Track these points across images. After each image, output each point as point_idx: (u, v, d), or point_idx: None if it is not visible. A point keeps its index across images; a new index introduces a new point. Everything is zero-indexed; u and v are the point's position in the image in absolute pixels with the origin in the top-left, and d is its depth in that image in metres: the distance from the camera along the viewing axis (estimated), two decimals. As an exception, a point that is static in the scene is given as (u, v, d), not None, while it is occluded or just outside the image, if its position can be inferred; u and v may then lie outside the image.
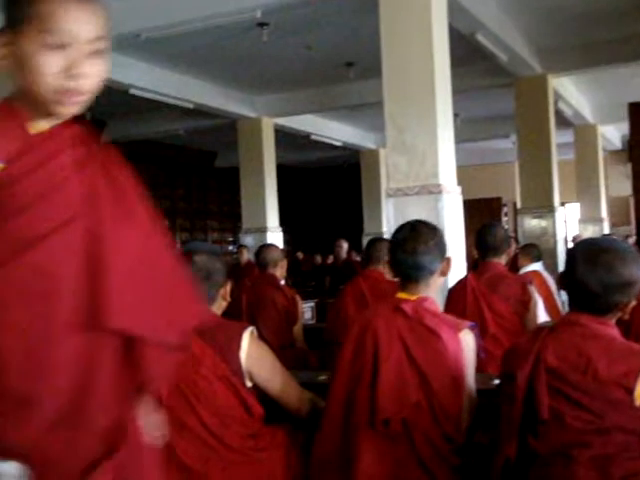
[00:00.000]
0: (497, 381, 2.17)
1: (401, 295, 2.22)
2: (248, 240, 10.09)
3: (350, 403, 2.12)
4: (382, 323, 2.15)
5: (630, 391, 1.78)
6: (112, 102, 9.46)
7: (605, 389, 1.80)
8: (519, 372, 1.89)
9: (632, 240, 8.89)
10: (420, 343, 2.11)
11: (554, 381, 1.86)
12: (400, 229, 2.28)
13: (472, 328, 2.19)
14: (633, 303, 1.92)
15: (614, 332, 1.91)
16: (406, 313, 2.15)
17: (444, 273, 2.26)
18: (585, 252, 1.92)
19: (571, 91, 10.05)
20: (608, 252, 1.88)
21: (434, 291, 2.27)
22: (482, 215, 13.57)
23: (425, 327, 2.12)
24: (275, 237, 10.05)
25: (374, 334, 2.13)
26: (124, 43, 6.88)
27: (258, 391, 2.17)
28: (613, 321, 1.94)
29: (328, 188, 16.74)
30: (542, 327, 2.03)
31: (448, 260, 2.26)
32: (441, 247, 2.24)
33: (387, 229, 5.81)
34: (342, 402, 2.13)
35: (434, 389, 2.07)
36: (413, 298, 2.19)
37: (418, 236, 2.20)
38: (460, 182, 5.43)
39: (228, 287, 2.29)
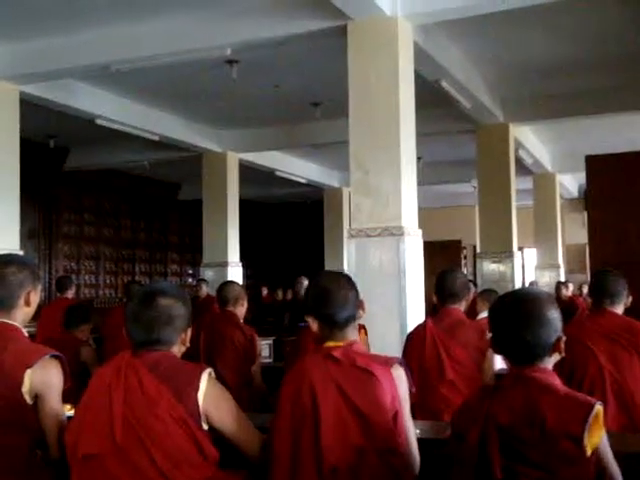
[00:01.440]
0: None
1: (329, 344, 2.25)
2: (208, 274, 10.01)
3: (296, 454, 2.11)
4: (316, 372, 2.17)
5: (578, 441, 1.80)
6: (76, 130, 9.44)
7: (554, 442, 1.82)
8: (469, 433, 1.92)
9: (585, 289, 9.05)
10: (355, 385, 2.14)
11: (505, 439, 1.87)
12: (321, 281, 2.32)
13: (401, 363, 2.24)
14: (564, 338, 1.99)
15: (557, 382, 1.95)
16: (337, 358, 2.18)
17: (360, 316, 2.34)
18: (508, 309, 2.00)
19: (531, 140, 10.32)
20: (527, 302, 1.98)
21: (356, 333, 2.33)
22: (442, 257, 13.72)
23: (357, 368, 2.16)
24: (235, 272, 9.99)
25: (309, 384, 2.15)
26: (93, 74, 6.87)
27: (215, 435, 2.14)
28: (551, 366, 1.99)
29: (291, 224, 16.77)
30: (488, 385, 2.07)
31: (362, 302, 2.35)
32: (357, 293, 2.32)
33: (348, 269, 5.84)
34: (288, 455, 2.12)
35: (375, 429, 2.09)
36: (341, 344, 2.23)
37: (344, 287, 2.27)
38: (421, 224, 5.50)
39: (189, 333, 2.26)
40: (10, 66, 6.60)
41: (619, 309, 3.40)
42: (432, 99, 7.24)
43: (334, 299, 2.24)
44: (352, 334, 2.27)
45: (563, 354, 2.00)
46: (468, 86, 7.19)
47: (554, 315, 1.98)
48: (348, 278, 2.35)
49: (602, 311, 3.39)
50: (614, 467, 1.89)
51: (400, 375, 2.20)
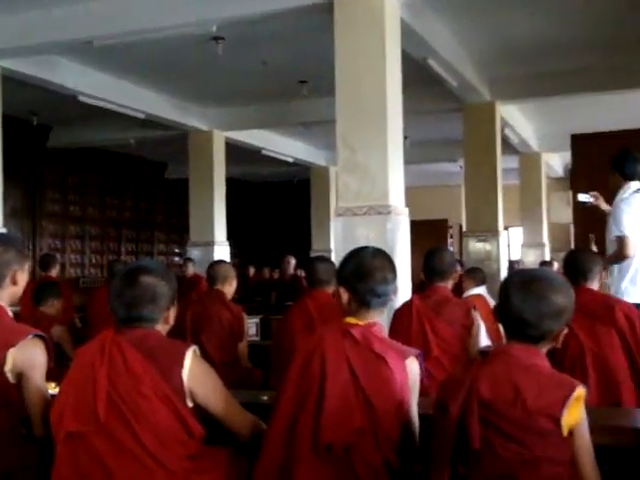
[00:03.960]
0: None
1: (349, 320, 2.23)
2: (195, 253, 9.99)
3: (293, 427, 2.10)
4: (330, 347, 2.15)
5: (557, 421, 1.83)
6: (59, 108, 9.32)
7: (533, 420, 1.84)
8: (452, 403, 1.94)
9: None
10: (367, 369, 2.12)
11: (486, 412, 1.90)
12: (363, 257, 2.28)
13: (417, 356, 2.22)
14: (565, 330, 1.99)
15: (544, 362, 1.97)
16: (355, 338, 2.16)
17: (392, 300, 2.32)
18: (519, 282, 1.99)
19: (518, 119, 10.31)
20: (541, 281, 1.97)
21: (381, 316, 2.30)
22: (428, 236, 13.72)
23: (373, 353, 2.14)
24: (222, 251, 9.97)
25: (322, 358, 2.13)
26: (75, 49, 6.77)
27: (200, 412, 2.14)
28: (544, 350, 1.99)
29: (277, 203, 16.73)
30: (475, 359, 2.08)
31: (396, 289, 2.32)
32: (396, 278, 2.29)
33: (334, 248, 5.83)
34: (285, 425, 2.12)
35: (378, 415, 2.09)
36: (362, 323, 2.21)
37: (385, 268, 2.24)
38: (407, 203, 5.49)
39: (172, 311, 2.25)
40: (-10, 41, 6.48)
41: (594, 286, 3.43)
42: (419, 78, 7.19)
43: (374, 278, 2.21)
44: (377, 316, 2.24)
45: (559, 345, 2.01)
46: (455, 64, 7.15)
47: (566, 306, 1.96)
48: (390, 260, 2.31)
49: (577, 289, 3.42)
50: (589, 449, 1.91)
51: (414, 367, 2.18)
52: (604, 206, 4.65)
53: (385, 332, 2.28)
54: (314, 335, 2.26)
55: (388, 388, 2.10)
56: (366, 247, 2.37)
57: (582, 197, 4.80)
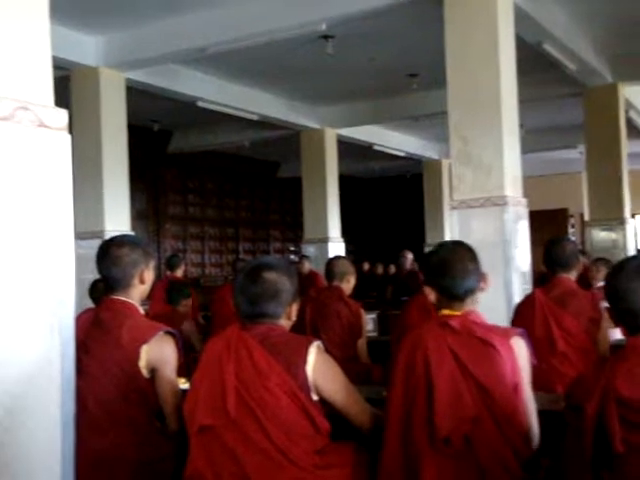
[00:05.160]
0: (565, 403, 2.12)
1: (445, 312, 2.21)
2: (310, 250, 10.13)
3: (408, 422, 2.10)
4: (431, 340, 2.14)
5: None
6: (178, 114, 9.73)
7: None
8: (587, 405, 1.83)
9: None
10: (474, 356, 2.09)
11: (626, 412, 1.79)
12: (440, 252, 2.30)
13: (522, 334, 2.17)
14: None
15: None
16: (454, 328, 2.14)
17: (482, 289, 2.27)
18: (627, 276, 1.88)
19: (643, 100, 9.75)
20: None
21: (475, 306, 2.26)
22: (548, 227, 13.26)
23: (476, 339, 2.11)
24: (337, 247, 10.06)
25: (424, 351, 2.12)
26: (191, 57, 7.04)
27: (324, 407, 2.16)
28: None
29: (390, 198, 16.67)
30: (605, 356, 1.97)
31: (485, 276, 2.27)
32: (479, 265, 2.26)
33: (451, 241, 5.76)
34: (400, 422, 2.11)
35: (495, 400, 2.04)
36: (458, 313, 2.19)
37: (463, 259, 2.23)
38: (525, 193, 5.33)
39: (295, 307, 2.29)
40: (115, 54, 6.86)
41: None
42: (534, 63, 6.96)
43: (453, 270, 2.20)
44: (471, 304, 2.22)
45: None
46: (573, 47, 6.85)
47: None
48: (469, 249, 2.29)
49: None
50: None
51: (520, 346, 2.14)
52: None
53: (483, 318, 2.22)
54: (415, 331, 2.24)
55: (499, 371, 2.06)
56: (445, 242, 2.39)
57: None
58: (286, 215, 14.98)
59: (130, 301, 2.47)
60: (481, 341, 2.10)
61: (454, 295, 2.21)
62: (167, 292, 5.06)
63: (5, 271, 2.06)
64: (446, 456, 2.03)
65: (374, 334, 6.82)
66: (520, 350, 2.13)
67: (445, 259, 2.24)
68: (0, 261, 2.05)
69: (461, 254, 2.24)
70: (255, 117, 9.34)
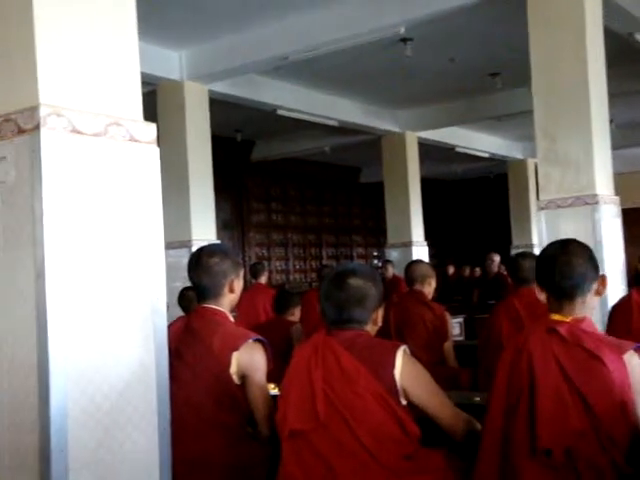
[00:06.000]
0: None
1: (554, 317, 2.11)
2: (393, 255, 10.08)
3: (508, 431, 2.03)
4: (536, 347, 2.05)
5: None
6: (260, 123, 9.89)
7: None
8: None
9: None
10: (580, 368, 1.98)
11: None
12: (548, 248, 2.21)
13: (638, 349, 2.03)
14: None
15: None
16: (562, 336, 2.03)
17: (599, 292, 2.13)
18: None
19: None
20: None
21: (590, 312, 2.14)
22: (642, 225, 12.70)
23: (584, 350, 1.99)
24: (420, 251, 9.97)
25: (529, 359, 2.04)
26: (272, 66, 7.15)
27: (414, 412, 2.14)
28: None
29: (474, 200, 16.40)
30: None
31: (603, 278, 2.15)
32: (594, 264, 2.14)
33: (538, 242, 5.58)
34: (499, 430, 2.04)
35: (599, 416, 1.94)
36: (568, 319, 2.08)
37: (571, 254, 2.12)
38: (617, 190, 5.14)
39: (380, 312, 2.28)
40: (198, 67, 7.05)
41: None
42: (624, 55, 6.70)
43: (557, 266, 2.10)
44: (582, 308, 2.10)
45: None
46: (665, 36, 6.56)
47: None
48: (582, 246, 2.18)
49: None
50: None
51: (634, 363, 1.99)
52: None
53: (596, 327, 2.11)
54: (520, 335, 2.16)
55: (605, 387, 1.94)
56: (555, 241, 2.25)
57: None
58: (368, 220, 14.96)
59: (221, 309, 2.52)
60: (589, 353, 1.98)
61: (561, 292, 2.10)
62: (276, 300, 5.16)
63: (102, 279, 2.15)
64: (546, 467, 1.96)
65: (461, 338, 6.71)
66: (634, 367, 1.99)
67: (552, 255, 2.15)
68: (97, 270, 2.13)
69: (570, 250, 2.13)
70: (335, 123, 9.38)
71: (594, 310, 2.17)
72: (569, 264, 2.09)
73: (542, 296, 2.15)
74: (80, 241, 2.10)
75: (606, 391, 1.95)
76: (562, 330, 2.04)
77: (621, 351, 1.99)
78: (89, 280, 2.11)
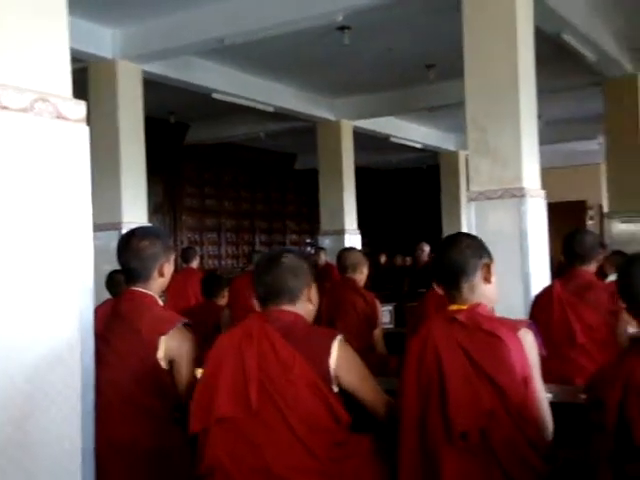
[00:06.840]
0: (584, 395, 2.10)
1: (452, 307, 2.21)
2: (326, 242, 10.13)
3: (423, 420, 2.09)
4: (441, 337, 2.13)
5: None
6: (194, 106, 9.74)
7: None
8: (608, 399, 1.83)
9: None
10: (482, 349, 2.08)
11: None
12: (440, 249, 2.32)
13: (529, 326, 2.16)
14: None
15: None
16: (462, 322, 2.13)
17: (487, 279, 2.22)
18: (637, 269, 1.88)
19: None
20: None
21: (487, 300, 2.23)
22: (566, 219, 13.13)
23: (484, 332, 2.09)
24: (353, 239, 10.05)
25: (434, 348, 2.12)
26: (208, 49, 7.04)
27: (343, 398, 2.17)
28: None
29: (407, 190, 16.62)
30: (624, 348, 1.96)
31: (487, 265, 2.23)
32: (477, 252, 2.22)
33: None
34: (415, 420, 2.10)
35: (507, 393, 2.03)
36: (465, 307, 2.18)
37: (452, 246, 2.24)
38: (543, 185, 5.29)
39: (314, 290, 2.30)
40: (132, 47, 6.88)
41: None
42: (553, 54, 6.89)
43: (445, 259, 2.22)
44: (472, 295, 2.19)
45: None
46: (593, 37, 6.77)
47: None
48: (464, 235, 2.30)
49: None
50: None
51: (529, 339, 2.12)
52: None
53: (490, 310, 2.21)
54: (422, 328, 2.23)
55: (509, 366, 2.04)
56: (448, 236, 2.35)
57: None
58: (302, 207, 14.98)
59: (150, 293, 2.48)
60: (488, 334, 2.08)
61: (447, 281, 2.22)
62: (204, 285, 5.10)
63: (26, 260, 2.08)
64: (464, 451, 2.03)
65: (390, 326, 6.81)
66: (529, 342, 2.11)
67: (439, 251, 2.27)
68: (21, 251, 2.07)
69: (452, 242, 2.25)
70: (271, 109, 9.33)
71: (494, 299, 2.25)
72: (449, 255, 2.21)
73: (440, 290, 2.26)
74: (3, 221, 2.03)
75: (510, 369, 2.05)
76: (461, 317, 2.14)
77: (516, 329, 2.11)
78: (13, 260, 2.05)
